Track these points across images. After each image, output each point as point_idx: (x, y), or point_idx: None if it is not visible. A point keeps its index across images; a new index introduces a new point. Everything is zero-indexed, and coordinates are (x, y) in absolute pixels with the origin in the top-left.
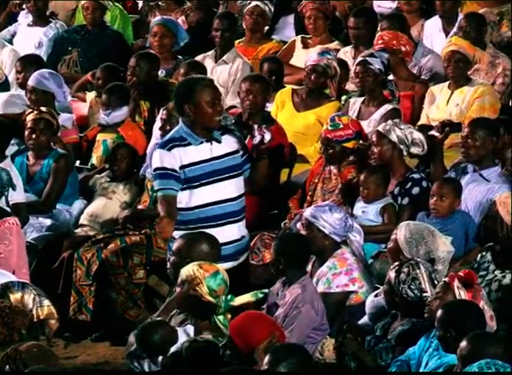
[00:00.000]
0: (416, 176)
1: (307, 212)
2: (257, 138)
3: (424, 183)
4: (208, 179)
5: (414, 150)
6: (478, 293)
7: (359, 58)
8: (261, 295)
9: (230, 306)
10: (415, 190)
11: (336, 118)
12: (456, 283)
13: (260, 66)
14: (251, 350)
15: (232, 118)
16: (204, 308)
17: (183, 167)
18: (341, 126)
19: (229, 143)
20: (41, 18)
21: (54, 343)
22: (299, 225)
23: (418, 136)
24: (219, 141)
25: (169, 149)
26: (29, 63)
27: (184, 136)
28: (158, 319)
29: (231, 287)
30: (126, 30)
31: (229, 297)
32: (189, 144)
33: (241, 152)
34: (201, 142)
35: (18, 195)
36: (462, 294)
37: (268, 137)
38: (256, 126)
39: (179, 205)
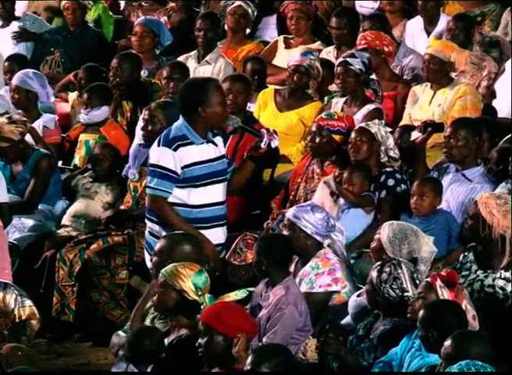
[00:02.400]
0: (388, 169)
1: (289, 212)
2: (266, 142)
3: (397, 175)
4: (204, 180)
5: (391, 154)
6: (460, 293)
7: (340, 59)
8: (244, 295)
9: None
10: (390, 181)
11: (332, 111)
12: (438, 282)
13: (243, 65)
14: (235, 333)
15: (238, 119)
16: (190, 307)
17: (185, 167)
18: (336, 117)
19: (221, 146)
20: (11, 18)
21: (36, 343)
22: (281, 225)
23: (392, 142)
24: (215, 144)
25: (175, 149)
26: (15, 63)
27: (187, 134)
28: (150, 325)
29: (211, 285)
30: (108, 28)
31: (210, 296)
32: (191, 143)
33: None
34: (202, 142)
35: (1, 196)
36: (445, 293)
37: (275, 143)
38: (265, 131)
39: (176, 201)
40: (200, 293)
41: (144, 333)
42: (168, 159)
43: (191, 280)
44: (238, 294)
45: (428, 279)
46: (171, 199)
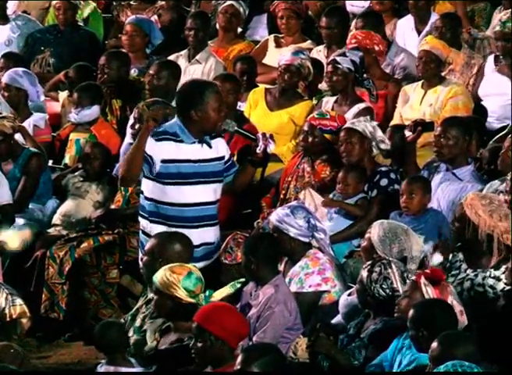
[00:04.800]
0: (383, 168)
1: (272, 216)
2: (261, 147)
3: (392, 175)
4: (192, 179)
5: (382, 146)
6: (445, 289)
7: (330, 58)
8: (238, 285)
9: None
10: (383, 181)
11: (324, 110)
12: (422, 280)
13: (233, 65)
14: (228, 333)
15: (234, 123)
16: (186, 310)
17: (170, 161)
18: (328, 116)
19: (217, 148)
20: (3, 17)
21: (27, 343)
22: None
23: (382, 134)
24: (210, 145)
25: (159, 140)
26: (10, 60)
27: (178, 132)
28: (111, 320)
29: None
30: (97, 28)
31: (208, 293)
32: (181, 141)
33: (226, 158)
34: (194, 142)
35: (4, 197)
36: (429, 291)
37: (271, 147)
38: (261, 136)
39: (163, 200)
40: (193, 295)
41: (108, 326)
42: (148, 145)
43: (182, 286)
44: (231, 288)
45: (413, 277)
46: (158, 197)
